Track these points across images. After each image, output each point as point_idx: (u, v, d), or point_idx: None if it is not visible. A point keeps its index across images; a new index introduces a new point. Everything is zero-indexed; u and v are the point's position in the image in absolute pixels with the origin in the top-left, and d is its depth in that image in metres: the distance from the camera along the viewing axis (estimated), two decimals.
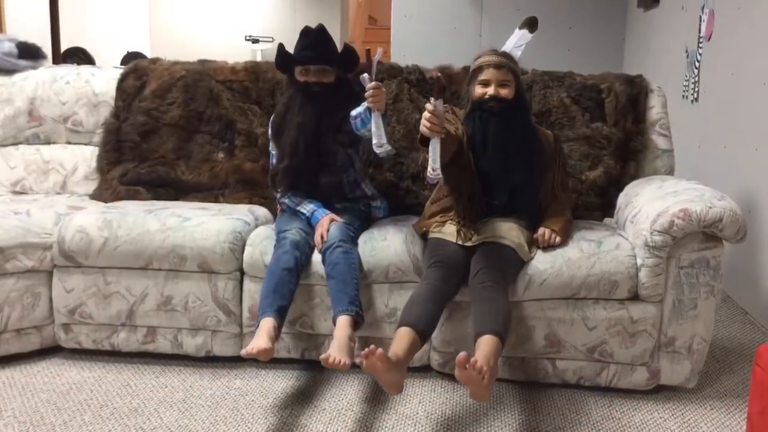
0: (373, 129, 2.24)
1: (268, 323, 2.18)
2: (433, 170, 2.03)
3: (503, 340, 2.02)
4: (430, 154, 2.05)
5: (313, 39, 2.48)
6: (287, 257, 2.29)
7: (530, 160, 2.40)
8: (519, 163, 2.37)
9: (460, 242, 2.31)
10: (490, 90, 2.34)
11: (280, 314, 2.23)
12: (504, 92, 2.34)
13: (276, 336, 2.18)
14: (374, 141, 2.24)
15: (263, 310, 2.22)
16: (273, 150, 2.61)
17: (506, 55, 2.40)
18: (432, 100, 2.02)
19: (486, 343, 1.97)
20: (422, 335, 2.07)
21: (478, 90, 2.37)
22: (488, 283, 2.13)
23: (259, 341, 2.10)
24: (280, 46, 2.53)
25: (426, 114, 2.01)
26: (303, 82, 2.50)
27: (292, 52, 2.52)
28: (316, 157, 2.48)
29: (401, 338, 2.04)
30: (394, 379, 1.95)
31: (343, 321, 2.19)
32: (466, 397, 2.31)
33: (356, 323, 2.22)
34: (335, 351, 2.07)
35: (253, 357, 2.08)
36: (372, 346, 1.87)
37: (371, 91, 2.21)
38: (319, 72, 2.49)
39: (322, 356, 2.04)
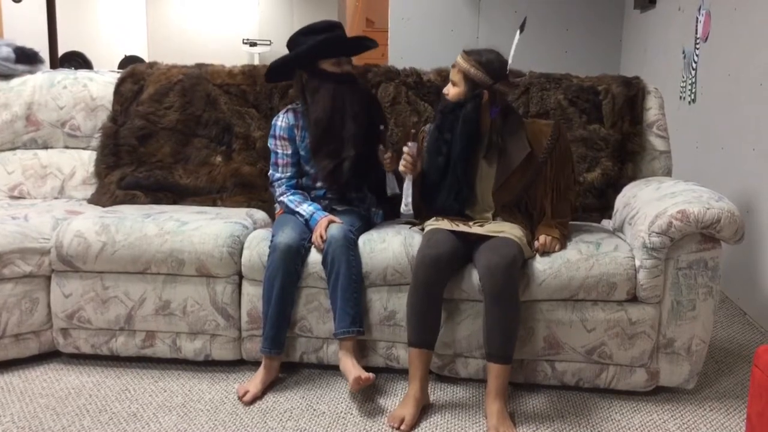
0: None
1: (271, 365, 2.37)
2: (405, 205, 2.39)
3: (511, 360, 2.17)
4: (404, 190, 2.39)
5: (342, 31, 2.51)
6: (279, 276, 2.30)
7: (457, 164, 2.35)
8: (444, 164, 2.35)
9: (455, 228, 2.30)
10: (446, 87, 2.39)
11: (283, 345, 2.39)
12: (451, 92, 2.35)
13: (276, 374, 2.40)
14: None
15: (269, 345, 2.35)
16: (279, 149, 2.56)
17: (471, 56, 2.33)
18: (409, 143, 2.37)
19: (496, 379, 2.13)
20: (433, 345, 2.23)
21: None
22: (504, 290, 2.12)
23: (255, 387, 2.30)
24: (321, 41, 2.45)
25: (404, 155, 2.36)
26: (346, 73, 2.51)
27: (292, 50, 2.52)
28: (367, 148, 2.50)
29: (417, 365, 2.19)
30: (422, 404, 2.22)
31: (349, 345, 2.33)
32: (465, 400, 2.31)
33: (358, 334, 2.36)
34: (356, 371, 2.23)
35: (240, 396, 2.29)
36: (403, 427, 2.11)
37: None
38: (349, 63, 2.54)
39: (352, 382, 2.21)
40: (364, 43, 2.56)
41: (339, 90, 2.48)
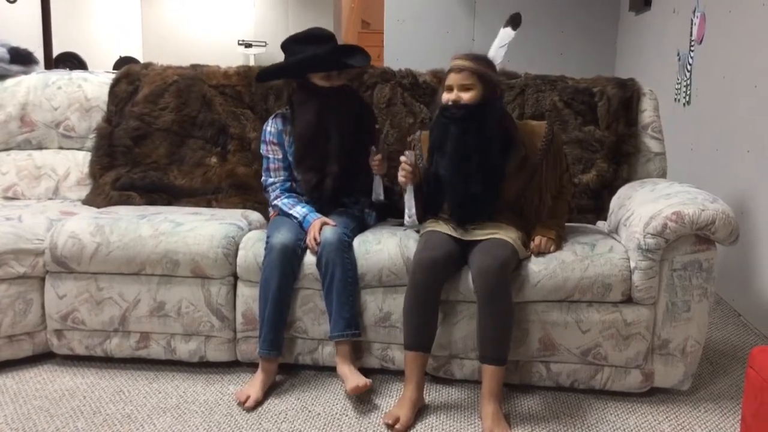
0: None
1: (269, 367, 2.34)
2: (409, 217, 2.36)
3: (506, 361, 2.17)
4: (406, 201, 2.36)
5: (334, 44, 2.49)
6: (275, 277, 2.30)
7: (492, 169, 2.27)
8: (476, 171, 2.26)
9: (452, 233, 2.30)
10: (452, 95, 2.26)
11: (281, 346, 2.36)
12: (466, 97, 2.24)
13: (275, 376, 2.38)
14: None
15: (268, 347, 2.33)
16: (270, 154, 2.56)
17: (474, 58, 2.29)
18: (406, 152, 2.35)
19: (490, 380, 2.14)
20: (429, 348, 2.23)
21: (444, 96, 2.29)
22: (496, 292, 2.12)
23: (256, 392, 2.27)
24: (309, 57, 2.43)
25: (402, 164, 2.32)
26: (338, 87, 2.50)
27: (285, 53, 2.51)
28: (354, 161, 2.50)
29: (413, 368, 2.19)
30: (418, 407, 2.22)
31: (345, 349, 2.32)
32: (461, 401, 2.31)
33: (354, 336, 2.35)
34: (354, 379, 2.23)
35: (241, 402, 2.25)
36: (398, 426, 2.10)
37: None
38: (341, 76, 2.52)
39: (350, 390, 2.21)
40: (351, 64, 2.50)
41: (325, 104, 2.48)
